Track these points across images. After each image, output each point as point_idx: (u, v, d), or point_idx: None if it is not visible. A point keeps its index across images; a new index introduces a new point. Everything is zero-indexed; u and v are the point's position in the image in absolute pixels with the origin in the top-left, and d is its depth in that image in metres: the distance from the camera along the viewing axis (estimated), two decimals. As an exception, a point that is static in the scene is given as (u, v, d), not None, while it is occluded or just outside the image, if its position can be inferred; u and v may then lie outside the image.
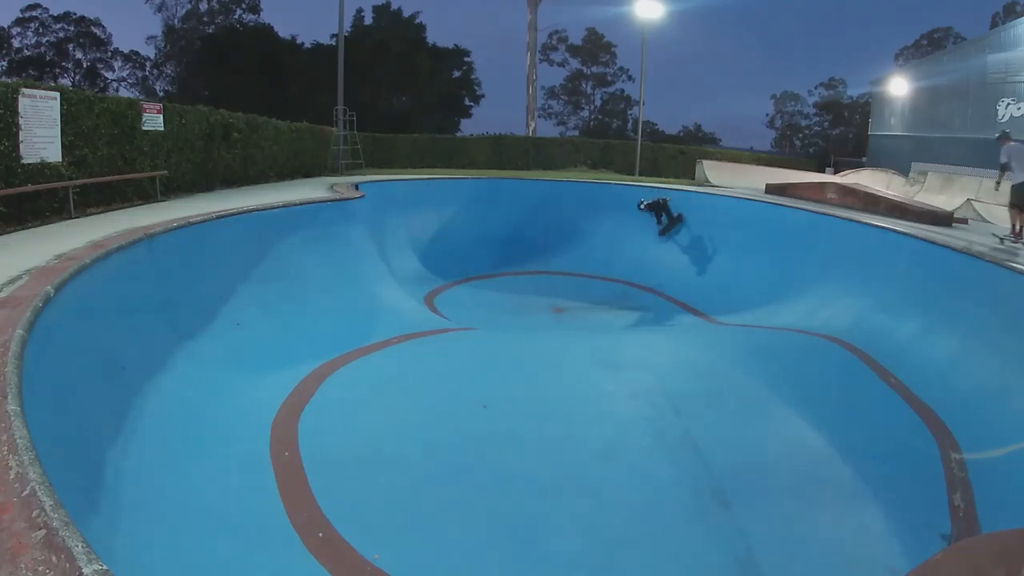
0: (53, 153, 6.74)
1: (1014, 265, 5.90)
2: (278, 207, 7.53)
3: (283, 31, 39.85)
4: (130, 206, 7.95)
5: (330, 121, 17.21)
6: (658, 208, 12.39)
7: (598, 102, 49.71)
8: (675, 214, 12.38)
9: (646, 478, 4.32)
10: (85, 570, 1.40)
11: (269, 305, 6.29)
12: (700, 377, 6.34)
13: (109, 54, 39.09)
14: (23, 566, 1.40)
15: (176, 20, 37.95)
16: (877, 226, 8.58)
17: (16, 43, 36.30)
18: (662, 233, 12.45)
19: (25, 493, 1.69)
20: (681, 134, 48.31)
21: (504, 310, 10.33)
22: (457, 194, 13.94)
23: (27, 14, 36.36)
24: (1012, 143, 8.55)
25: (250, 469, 3.83)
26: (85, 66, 38.36)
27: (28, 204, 6.32)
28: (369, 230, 9.91)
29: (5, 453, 1.90)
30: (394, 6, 38.86)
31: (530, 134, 28.96)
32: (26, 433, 2.03)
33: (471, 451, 4.50)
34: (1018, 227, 8.32)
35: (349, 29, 32.93)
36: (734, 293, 9.99)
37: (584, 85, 49.28)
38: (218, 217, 6.44)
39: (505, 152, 24.03)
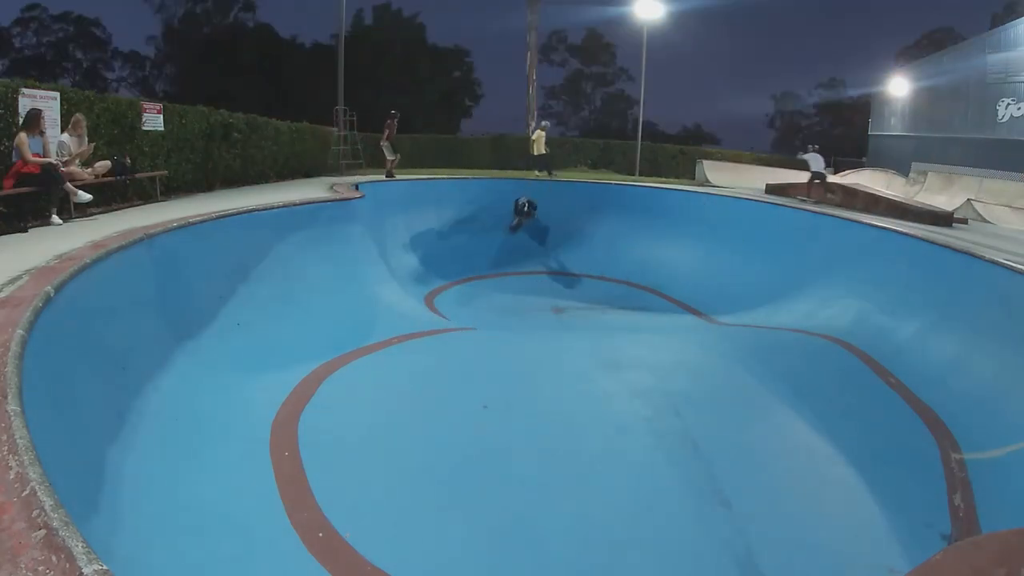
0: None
1: (1014, 265, 5.90)
2: (278, 207, 7.52)
3: (283, 31, 39.93)
4: (130, 206, 7.95)
5: (330, 121, 17.21)
6: (522, 212, 12.34)
7: (598, 102, 49.78)
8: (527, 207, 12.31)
9: (646, 478, 4.32)
10: (85, 570, 1.40)
11: (269, 305, 6.29)
12: (700, 377, 6.34)
13: (109, 54, 39.17)
14: (23, 566, 1.40)
15: (176, 20, 37.98)
16: (877, 226, 8.58)
17: (16, 43, 36.36)
18: (513, 229, 12.54)
19: (25, 493, 1.69)
20: (681, 134, 48.33)
21: (504, 310, 10.33)
22: (457, 194, 13.94)
23: (27, 14, 36.40)
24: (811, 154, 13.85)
25: (250, 469, 3.83)
26: (85, 66, 38.40)
27: (28, 204, 6.32)
28: (369, 230, 9.90)
29: (5, 453, 1.90)
30: (394, 6, 38.96)
31: (530, 134, 28.94)
32: (26, 433, 2.03)
33: (471, 451, 4.50)
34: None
35: (349, 29, 32.90)
36: (734, 293, 9.99)
37: (584, 85, 49.32)
38: (218, 217, 6.44)
39: (505, 152, 24.01)
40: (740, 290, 9.98)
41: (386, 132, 14.28)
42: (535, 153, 15.95)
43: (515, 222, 12.62)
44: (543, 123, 16.86)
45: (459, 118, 41.55)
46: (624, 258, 12.67)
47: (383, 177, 13.99)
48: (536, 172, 15.76)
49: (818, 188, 13.43)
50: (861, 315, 7.41)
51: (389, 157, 14.29)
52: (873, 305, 7.41)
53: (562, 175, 17.07)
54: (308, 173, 14.94)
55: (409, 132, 25.80)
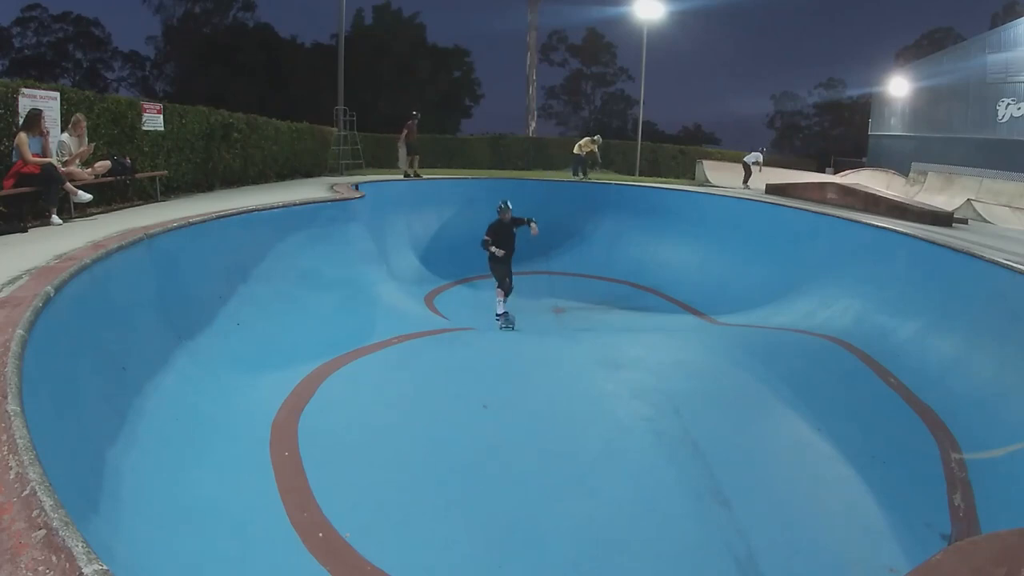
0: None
1: (1014, 265, 5.90)
2: (278, 207, 7.52)
3: (283, 31, 39.92)
4: (130, 206, 7.95)
5: (330, 121, 17.20)
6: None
7: (598, 102, 49.76)
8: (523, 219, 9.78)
9: (646, 478, 4.32)
10: (85, 570, 1.40)
11: (269, 305, 6.29)
12: (700, 377, 6.34)
13: (109, 54, 39.14)
14: (23, 566, 1.40)
15: (175, 20, 37.96)
16: (877, 226, 8.58)
17: (16, 43, 36.35)
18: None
19: (25, 493, 1.69)
20: (681, 134, 48.31)
21: (504, 310, 10.29)
22: (457, 194, 13.94)
23: (27, 14, 36.40)
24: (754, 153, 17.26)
25: (250, 469, 3.83)
26: (85, 66, 38.39)
27: (28, 204, 6.32)
28: (369, 230, 9.91)
29: (5, 453, 1.89)
30: (394, 6, 38.90)
31: (530, 134, 28.96)
32: (26, 433, 2.03)
33: (471, 451, 4.49)
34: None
35: (349, 29, 32.90)
36: (734, 293, 9.99)
37: (584, 85, 49.30)
38: (218, 217, 6.44)
39: (505, 152, 24.03)
40: (740, 290, 9.98)
41: (404, 132, 14.29)
42: (575, 153, 16.94)
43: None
44: (595, 136, 17.40)
45: (459, 118, 41.52)
46: (624, 258, 12.67)
47: (382, 177, 14.02)
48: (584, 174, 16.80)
49: (744, 176, 16.79)
50: (861, 315, 7.41)
51: (404, 157, 14.37)
52: (873, 305, 7.40)
53: (562, 175, 17.15)
54: (308, 173, 14.95)
55: (409, 132, 25.77)
